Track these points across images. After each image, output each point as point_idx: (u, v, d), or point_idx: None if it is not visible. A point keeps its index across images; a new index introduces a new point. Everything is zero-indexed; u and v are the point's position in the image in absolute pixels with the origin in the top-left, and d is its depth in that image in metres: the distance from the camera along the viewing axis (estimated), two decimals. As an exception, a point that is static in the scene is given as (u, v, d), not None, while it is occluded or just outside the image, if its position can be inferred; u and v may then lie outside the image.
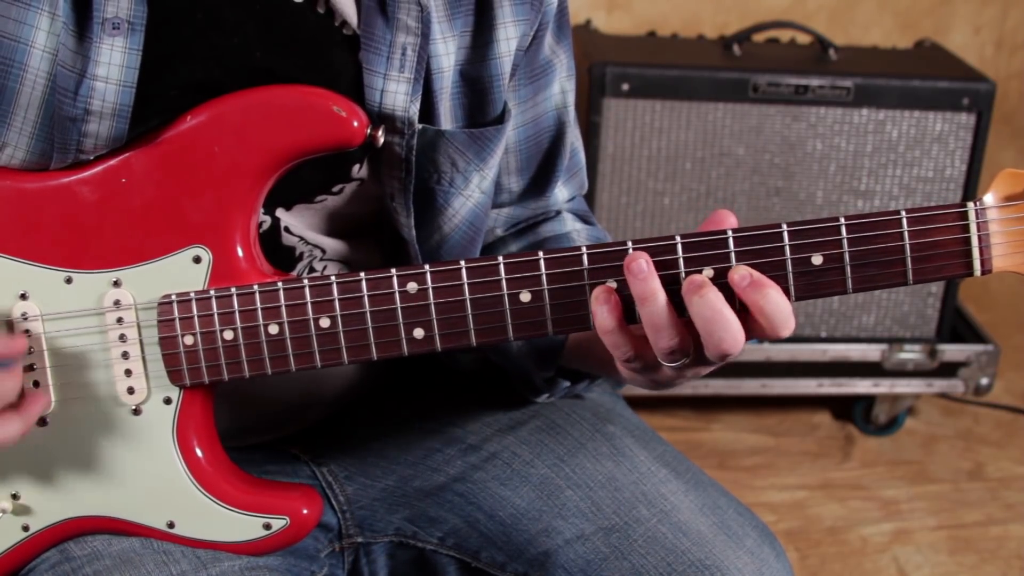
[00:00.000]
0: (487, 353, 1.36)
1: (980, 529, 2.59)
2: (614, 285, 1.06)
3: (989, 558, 2.50)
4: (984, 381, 2.81)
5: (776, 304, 1.04)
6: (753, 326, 1.06)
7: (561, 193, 1.40)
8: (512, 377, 1.34)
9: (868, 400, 2.88)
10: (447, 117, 1.23)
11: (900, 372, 2.78)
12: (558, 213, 1.40)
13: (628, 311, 1.07)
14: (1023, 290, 3.47)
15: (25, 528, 1.18)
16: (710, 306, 1.03)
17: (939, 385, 2.82)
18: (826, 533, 2.55)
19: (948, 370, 2.80)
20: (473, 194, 1.26)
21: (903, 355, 2.76)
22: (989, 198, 1.06)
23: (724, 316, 1.03)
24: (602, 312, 1.05)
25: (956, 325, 2.86)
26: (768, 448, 2.83)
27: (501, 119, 1.26)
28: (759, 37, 2.77)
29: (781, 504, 2.63)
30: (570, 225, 1.37)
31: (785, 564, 1.26)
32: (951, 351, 2.78)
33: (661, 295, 1.04)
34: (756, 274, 1.05)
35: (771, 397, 2.88)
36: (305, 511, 1.18)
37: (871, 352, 2.76)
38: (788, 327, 1.06)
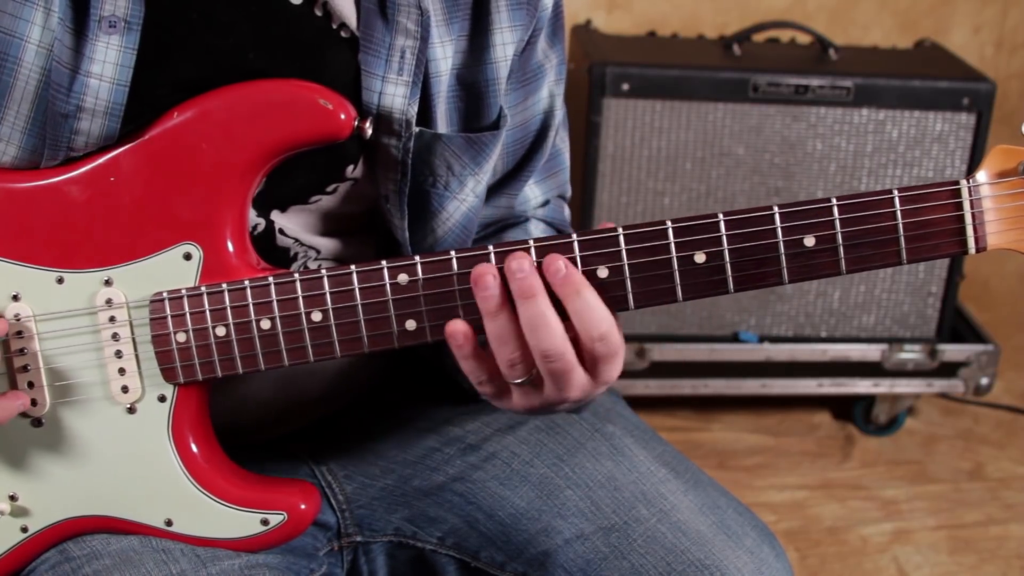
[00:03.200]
0: (426, 357, 1.36)
1: (980, 529, 2.58)
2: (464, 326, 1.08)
3: (989, 558, 2.50)
4: (984, 381, 2.81)
5: (588, 304, 1.07)
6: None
7: (532, 192, 1.39)
8: (451, 377, 1.33)
9: (868, 400, 2.88)
10: (443, 121, 1.24)
11: (900, 372, 2.78)
12: (526, 220, 1.39)
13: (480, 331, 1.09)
14: (1023, 290, 3.47)
15: (24, 529, 1.18)
16: (537, 309, 1.05)
17: (939, 385, 2.82)
18: (826, 533, 2.55)
19: (948, 370, 2.80)
20: (467, 198, 1.26)
21: (903, 355, 2.76)
22: (982, 175, 1.06)
23: (547, 318, 1.05)
24: (457, 341, 1.08)
25: (956, 325, 2.86)
26: (768, 448, 2.83)
27: (497, 124, 1.26)
28: (759, 37, 2.77)
29: (781, 504, 2.63)
30: (532, 235, 1.36)
31: (785, 564, 1.26)
32: (951, 351, 2.78)
33: (507, 308, 1.07)
34: (572, 270, 1.06)
35: (771, 397, 2.88)
36: (303, 506, 1.18)
37: (871, 352, 2.76)
38: (601, 329, 1.07)
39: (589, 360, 1.08)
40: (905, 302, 2.75)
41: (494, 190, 1.35)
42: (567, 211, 1.46)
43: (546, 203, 1.42)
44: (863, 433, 2.90)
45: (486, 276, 1.06)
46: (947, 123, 2.60)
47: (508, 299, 1.07)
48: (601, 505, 1.24)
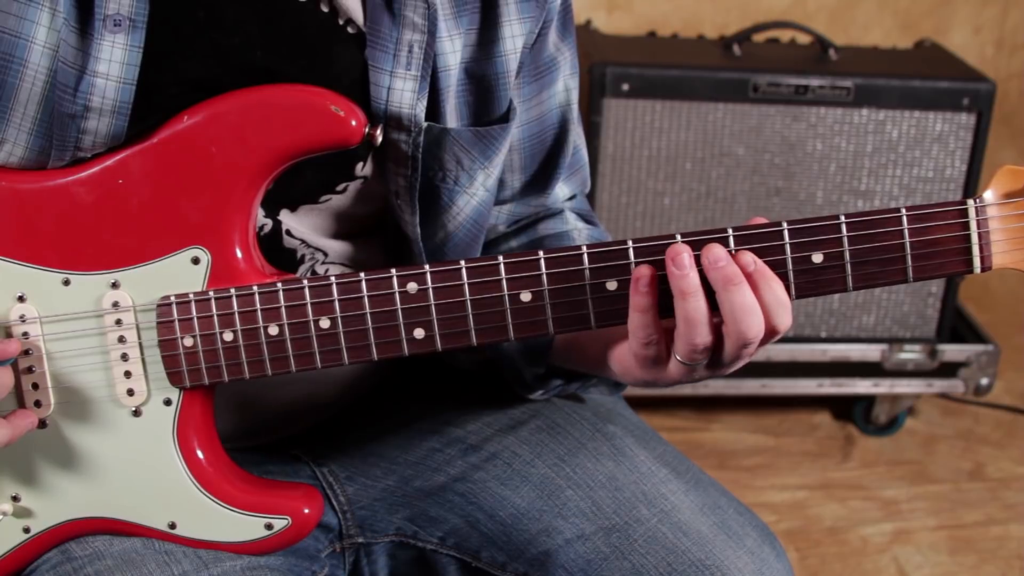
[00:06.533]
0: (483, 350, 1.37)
1: (980, 529, 2.59)
2: (652, 270, 1.06)
3: (989, 558, 2.50)
4: (984, 381, 2.81)
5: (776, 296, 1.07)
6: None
7: (562, 190, 1.40)
8: (504, 372, 1.34)
9: (868, 400, 2.88)
10: (452, 115, 1.24)
11: (900, 372, 2.78)
12: (560, 212, 1.40)
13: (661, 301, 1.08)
14: (1023, 290, 3.47)
15: (26, 530, 1.18)
16: (743, 294, 1.05)
17: (939, 385, 2.82)
18: (826, 533, 2.55)
19: (948, 370, 2.80)
20: (478, 192, 1.26)
21: (903, 355, 2.76)
22: (989, 195, 1.06)
23: (754, 305, 1.05)
24: (641, 291, 1.06)
25: (956, 325, 2.86)
26: (768, 448, 2.83)
27: (506, 117, 1.26)
28: (759, 37, 2.77)
29: (781, 504, 2.63)
30: (571, 224, 1.38)
31: (785, 564, 1.26)
32: (951, 351, 2.78)
33: (702, 291, 1.05)
34: (762, 263, 1.06)
35: (771, 397, 2.88)
36: (306, 511, 1.18)
37: (871, 352, 2.76)
38: (788, 322, 1.08)
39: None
40: (905, 302, 2.75)
41: (526, 189, 1.36)
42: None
43: (573, 197, 1.43)
44: (863, 433, 2.90)
45: (682, 255, 1.05)
46: (947, 123, 2.60)
47: (705, 284, 1.06)
48: (602, 505, 1.25)
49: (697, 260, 1.05)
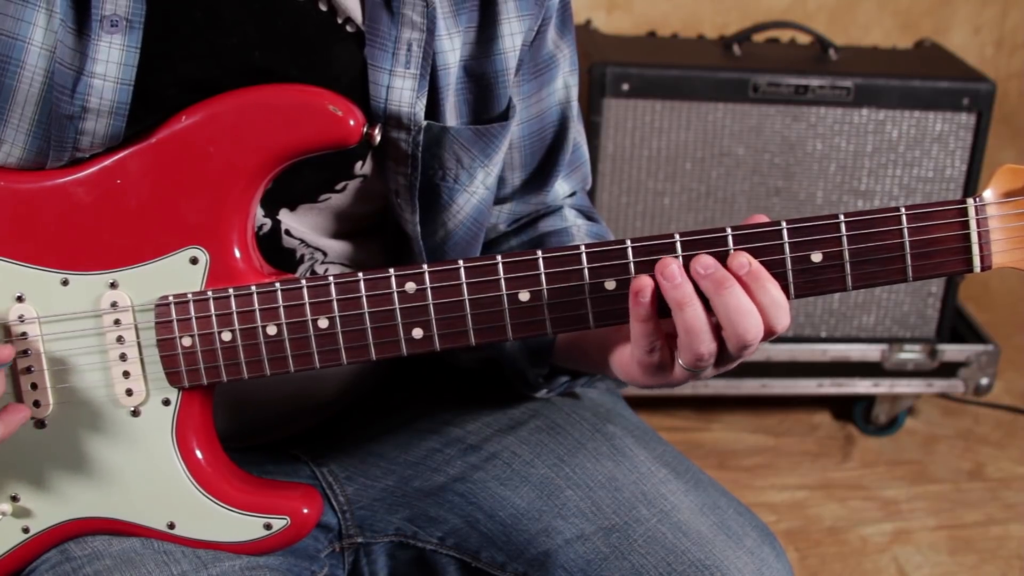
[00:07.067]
0: (483, 349, 1.37)
1: (980, 529, 2.59)
2: (651, 281, 1.06)
3: (989, 558, 2.50)
4: (984, 381, 2.81)
5: (773, 297, 1.06)
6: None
7: (562, 187, 1.40)
8: (506, 371, 1.34)
9: (868, 400, 2.88)
10: (452, 113, 1.24)
11: (900, 372, 2.78)
12: (560, 209, 1.40)
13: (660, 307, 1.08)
14: (1023, 290, 3.47)
15: (25, 530, 1.18)
16: (736, 297, 1.04)
17: (939, 385, 2.81)
18: (826, 533, 2.55)
19: (948, 370, 2.80)
20: (478, 190, 1.26)
21: (903, 355, 2.76)
22: (989, 194, 1.06)
23: (750, 307, 1.05)
24: (641, 302, 1.06)
25: (956, 325, 2.86)
26: (768, 448, 2.83)
27: (506, 115, 1.26)
28: (759, 37, 2.77)
29: (781, 504, 2.63)
30: (571, 220, 1.38)
31: (785, 564, 1.26)
32: (951, 351, 2.78)
33: (698, 299, 1.05)
34: (755, 264, 1.06)
35: (771, 397, 2.88)
36: (305, 511, 1.18)
37: (871, 352, 2.76)
38: (785, 323, 1.07)
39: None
40: (905, 302, 2.75)
41: (525, 187, 1.36)
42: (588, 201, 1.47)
43: (573, 194, 1.43)
44: (863, 433, 2.90)
45: (671, 267, 1.05)
46: (947, 123, 2.60)
47: (698, 292, 1.06)
48: (602, 505, 1.24)
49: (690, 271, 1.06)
